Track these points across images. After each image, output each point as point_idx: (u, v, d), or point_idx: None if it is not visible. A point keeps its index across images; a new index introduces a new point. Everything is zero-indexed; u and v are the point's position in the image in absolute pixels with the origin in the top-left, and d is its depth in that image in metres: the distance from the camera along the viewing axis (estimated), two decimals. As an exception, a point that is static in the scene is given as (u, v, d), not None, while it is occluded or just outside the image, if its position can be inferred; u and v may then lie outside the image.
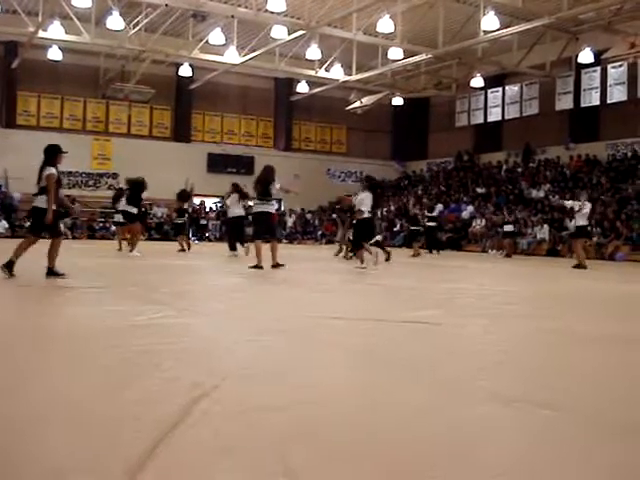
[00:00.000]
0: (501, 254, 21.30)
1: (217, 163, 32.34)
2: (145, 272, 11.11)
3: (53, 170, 8.44)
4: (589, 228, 15.55)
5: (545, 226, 23.78)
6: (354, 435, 2.57)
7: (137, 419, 2.65)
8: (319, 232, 32.16)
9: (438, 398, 3.17)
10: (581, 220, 14.96)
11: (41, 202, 8.35)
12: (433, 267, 15.21)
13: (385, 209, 31.82)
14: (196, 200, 31.32)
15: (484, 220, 26.36)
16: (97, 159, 30.52)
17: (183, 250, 17.56)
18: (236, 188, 16.32)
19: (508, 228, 21.35)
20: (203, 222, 29.83)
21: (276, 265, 11.37)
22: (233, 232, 16.65)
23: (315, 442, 2.47)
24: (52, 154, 8.61)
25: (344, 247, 16.70)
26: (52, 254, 8.43)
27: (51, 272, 8.37)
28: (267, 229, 11.89)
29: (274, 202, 12.16)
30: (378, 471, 2.21)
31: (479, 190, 30.21)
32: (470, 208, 28.43)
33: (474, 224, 26.94)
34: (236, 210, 16.13)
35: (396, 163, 37.13)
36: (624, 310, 7.70)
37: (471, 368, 3.93)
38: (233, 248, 16.09)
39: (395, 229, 29.64)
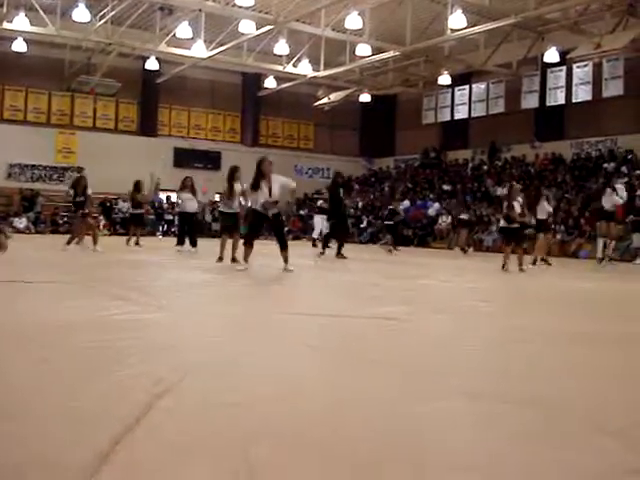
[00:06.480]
0: (463, 250, 21.18)
1: (184, 158, 32.08)
2: (109, 267, 10.99)
3: None
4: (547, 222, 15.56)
5: (510, 223, 23.94)
6: (318, 432, 2.55)
7: (97, 415, 2.60)
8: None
9: (404, 394, 3.17)
10: (539, 214, 15.10)
11: None
12: (398, 263, 15.25)
13: (352, 205, 31.86)
14: (162, 195, 31.10)
15: (450, 217, 26.48)
16: (61, 152, 30.08)
17: (137, 244, 17.44)
18: (189, 183, 16.03)
19: (463, 216, 21.44)
20: (169, 217, 29.57)
21: (234, 259, 12.06)
22: (184, 227, 16.51)
23: (279, 439, 2.44)
24: None
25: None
26: None
27: None
28: (231, 226, 13.09)
29: (237, 201, 13.11)
30: (342, 467, 2.19)
31: (445, 187, 30.38)
32: (436, 205, 28.58)
33: (440, 221, 27.07)
34: (189, 205, 15.90)
35: (363, 160, 37.18)
36: (590, 308, 7.78)
37: (438, 364, 3.94)
38: (181, 243, 15.98)
39: (362, 225, 29.67)
